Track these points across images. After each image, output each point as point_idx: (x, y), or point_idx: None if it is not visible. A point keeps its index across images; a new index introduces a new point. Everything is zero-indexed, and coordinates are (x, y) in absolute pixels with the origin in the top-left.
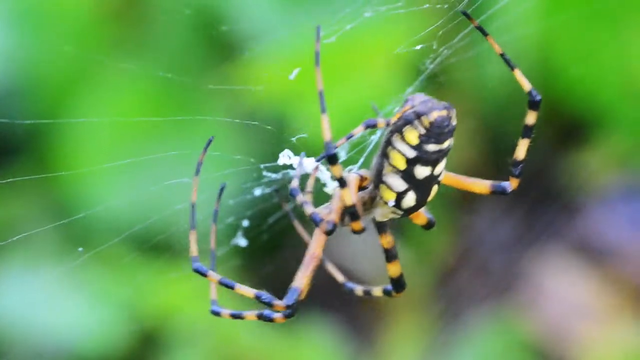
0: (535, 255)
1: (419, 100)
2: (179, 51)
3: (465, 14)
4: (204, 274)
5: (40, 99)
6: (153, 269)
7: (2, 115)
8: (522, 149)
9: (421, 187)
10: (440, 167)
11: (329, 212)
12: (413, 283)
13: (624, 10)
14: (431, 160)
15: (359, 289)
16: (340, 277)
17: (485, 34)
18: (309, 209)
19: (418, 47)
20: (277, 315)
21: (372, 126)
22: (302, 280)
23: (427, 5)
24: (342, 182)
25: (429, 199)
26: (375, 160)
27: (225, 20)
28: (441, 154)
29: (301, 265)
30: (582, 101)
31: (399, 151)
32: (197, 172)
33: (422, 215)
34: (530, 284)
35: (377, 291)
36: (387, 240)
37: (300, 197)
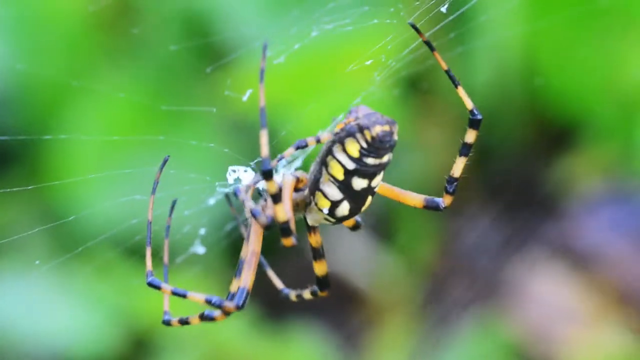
0: (520, 259)
1: (363, 112)
2: (168, 59)
3: (414, 26)
4: (157, 287)
5: (32, 107)
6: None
7: None
8: (458, 167)
9: (356, 198)
10: (377, 179)
11: (266, 208)
12: (400, 288)
13: (610, 17)
14: (369, 174)
15: (292, 294)
16: (279, 284)
17: (432, 49)
18: (249, 204)
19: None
20: (217, 314)
21: (303, 147)
22: (247, 278)
23: (394, 20)
24: (276, 198)
25: (363, 209)
26: (313, 167)
27: (215, 28)
28: (379, 167)
29: (243, 264)
30: (567, 107)
31: (339, 162)
32: (153, 190)
33: (351, 220)
34: (515, 287)
35: (306, 293)
36: (316, 239)
37: (242, 196)
